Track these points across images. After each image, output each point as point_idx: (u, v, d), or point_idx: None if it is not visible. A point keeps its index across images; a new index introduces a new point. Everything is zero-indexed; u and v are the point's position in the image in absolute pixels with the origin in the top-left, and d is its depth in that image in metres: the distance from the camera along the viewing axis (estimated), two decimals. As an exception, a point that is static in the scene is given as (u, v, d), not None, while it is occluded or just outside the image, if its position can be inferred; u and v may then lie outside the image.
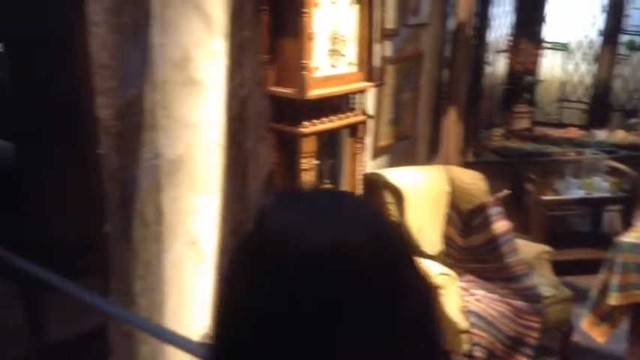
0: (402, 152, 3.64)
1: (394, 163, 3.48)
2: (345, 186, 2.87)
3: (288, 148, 2.55)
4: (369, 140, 3.10)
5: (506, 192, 2.94)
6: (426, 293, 0.60)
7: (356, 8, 2.50)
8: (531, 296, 2.78)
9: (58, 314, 2.41)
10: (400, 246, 0.60)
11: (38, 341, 2.15)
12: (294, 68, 2.33)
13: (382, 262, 0.55)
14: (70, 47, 3.16)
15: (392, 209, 2.84)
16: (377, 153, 3.35)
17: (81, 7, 2.02)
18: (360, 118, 2.67)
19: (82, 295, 2.02)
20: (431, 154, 3.96)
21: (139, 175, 2.20)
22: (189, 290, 2.49)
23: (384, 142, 3.38)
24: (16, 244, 2.58)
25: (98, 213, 2.41)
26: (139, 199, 2.24)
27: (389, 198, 2.86)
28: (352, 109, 2.67)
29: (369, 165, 3.21)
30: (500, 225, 2.76)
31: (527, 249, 2.98)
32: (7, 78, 3.28)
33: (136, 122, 2.10)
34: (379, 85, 2.82)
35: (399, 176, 2.92)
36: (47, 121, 3.26)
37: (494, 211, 2.79)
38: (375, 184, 2.92)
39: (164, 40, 2.05)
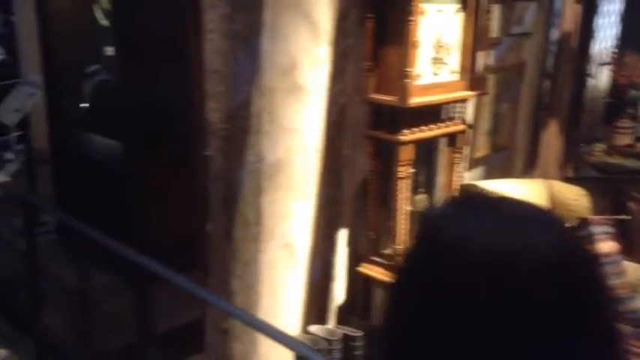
0: (498, 164, 3.55)
1: (490, 175, 3.40)
2: (440, 196, 2.84)
3: (385, 156, 2.54)
4: (465, 150, 3.04)
5: (625, 217, 2.82)
6: (609, 302, 0.58)
7: (461, 16, 2.47)
8: (635, 320, 2.64)
9: (158, 307, 2.52)
10: (585, 252, 0.58)
11: (144, 331, 2.26)
12: (396, 76, 2.33)
13: (571, 268, 0.54)
14: (181, 52, 3.32)
15: (489, 222, 2.78)
16: (472, 164, 3.29)
17: (197, 14, 2.11)
18: (460, 127, 2.63)
19: (192, 289, 2.10)
20: (528, 168, 3.84)
21: (242, 177, 2.27)
22: (282, 291, 2.54)
23: (480, 153, 3.31)
24: (122, 239, 2.72)
25: (201, 211, 2.51)
26: (241, 200, 2.31)
27: (486, 210, 2.80)
28: (451, 118, 2.63)
29: (464, 176, 3.15)
30: (606, 245, 2.63)
31: (632, 271, 2.83)
32: (119, 80, 3.48)
33: (242, 126, 2.17)
34: (482, 95, 2.77)
35: (498, 188, 2.84)
36: (155, 123, 3.43)
37: (599, 229, 2.67)
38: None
39: (273, 48, 2.11)
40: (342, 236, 2.72)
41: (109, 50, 4.02)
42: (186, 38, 3.37)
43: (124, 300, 2.55)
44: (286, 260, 2.50)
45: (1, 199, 4.50)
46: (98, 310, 2.63)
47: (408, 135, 2.42)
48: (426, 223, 0.61)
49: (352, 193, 2.68)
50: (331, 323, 2.80)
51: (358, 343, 2.44)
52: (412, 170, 2.52)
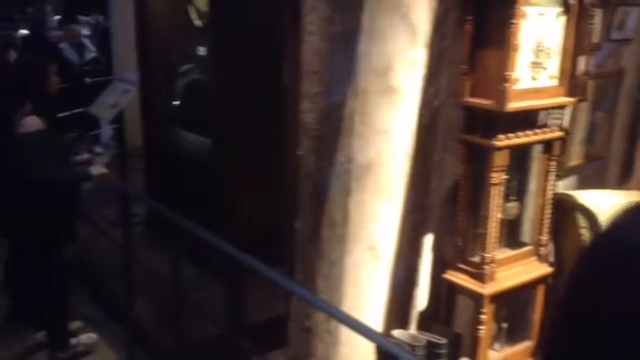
0: (591, 174, 3.39)
1: (582, 184, 3.26)
2: (532, 205, 2.75)
3: (478, 161, 2.49)
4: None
5: None
6: None
7: (562, 20, 2.38)
8: None
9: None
10: None
11: (234, 323, 2.31)
12: (494, 79, 2.27)
13: None
14: (273, 53, 3.38)
15: (584, 234, 2.66)
16: (565, 173, 3.16)
17: (296, 16, 2.15)
18: (558, 134, 2.53)
19: (285, 283, 2.14)
20: (623, 179, 3.65)
21: (331, 177, 2.28)
22: (366, 293, 2.54)
23: (573, 161, 3.18)
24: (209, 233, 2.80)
25: (289, 209, 2.54)
26: (329, 200, 2.33)
27: (581, 222, 2.68)
28: (546, 125, 2.54)
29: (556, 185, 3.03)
30: None
31: None
32: (212, 79, 3.58)
33: (335, 127, 2.18)
34: (581, 101, 2.66)
35: (594, 199, 2.72)
36: (244, 121, 3.52)
37: None
38: (565, 206, 2.76)
39: (369, 49, 2.11)
40: (428, 241, 2.69)
41: (202, 50, 4.16)
42: (280, 39, 3.45)
43: (212, 291, 2.63)
44: (371, 262, 2.49)
45: (93, 191, 4.75)
46: (187, 301, 2.71)
47: (504, 140, 2.36)
48: (607, 233, 0.58)
49: (440, 198, 2.64)
50: (412, 329, 2.77)
51: (442, 351, 2.40)
52: (505, 177, 2.45)
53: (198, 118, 4.08)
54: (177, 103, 4.17)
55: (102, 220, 4.62)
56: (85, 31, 8.95)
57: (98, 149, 7.69)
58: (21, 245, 3.08)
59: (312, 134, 2.22)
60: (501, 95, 2.23)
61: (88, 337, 3.38)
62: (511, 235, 2.76)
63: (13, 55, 3.24)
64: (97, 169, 3.17)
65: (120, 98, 4.65)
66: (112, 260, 4.05)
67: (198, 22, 4.12)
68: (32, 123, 2.88)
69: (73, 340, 3.28)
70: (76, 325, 3.41)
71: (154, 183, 4.31)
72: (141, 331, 3.12)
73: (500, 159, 2.38)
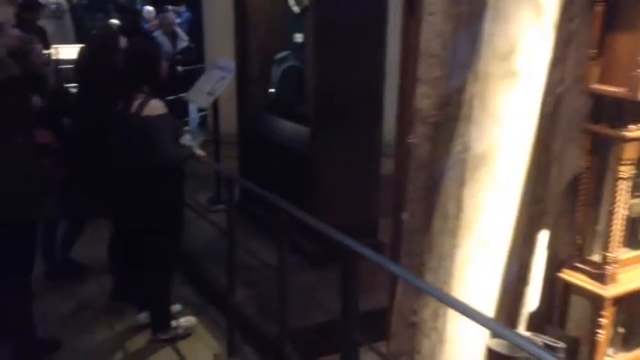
0: None
1: None
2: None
3: (603, 153, 2.30)
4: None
5: None
6: None
7: None
8: None
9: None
10: None
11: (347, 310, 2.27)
12: (625, 65, 2.09)
13: None
14: (376, 37, 3.30)
15: None
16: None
17: (413, -3, 2.05)
18: (696, 126, 2.30)
19: (402, 274, 2.08)
20: None
21: (446, 166, 2.18)
22: (475, 290, 2.41)
23: None
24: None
25: (397, 201, 2.46)
26: (442, 192, 2.22)
27: None
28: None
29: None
30: None
31: None
32: (311, 66, 3.53)
33: (453, 113, 2.07)
34: None
35: None
36: (342, 108, 3.46)
37: None
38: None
39: (493, 30, 1.98)
40: (543, 238, 2.53)
41: (299, 37, 4.12)
42: (381, 22, 3.35)
43: (309, 277, 2.58)
44: (482, 258, 2.36)
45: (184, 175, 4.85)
46: (285, 287, 2.69)
47: (635, 131, 2.17)
48: None
49: (559, 191, 2.47)
50: (521, 329, 2.63)
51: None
52: (634, 171, 2.26)
53: (295, 105, 4.06)
54: (273, 90, 4.15)
55: (196, 205, 4.70)
56: (178, 20, 9.19)
57: (187, 136, 7.89)
58: (129, 227, 3.16)
59: (428, 121, 2.11)
60: (634, 82, 2.04)
61: (187, 320, 3.44)
62: (633, 234, 2.56)
63: (123, 41, 3.29)
64: (198, 151, 3.23)
65: (216, 86, 4.72)
66: (208, 244, 4.12)
67: (296, 9, 4.08)
68: (156, 107, 2.94)
69: (174, 323, 3.34)
70: (175, 307, 3.48)
71: (246, 170, 4.33)
72: (240, 316, 3.14)
73: (631, 151, 2.19)
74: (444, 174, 2.17)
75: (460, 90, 2.03)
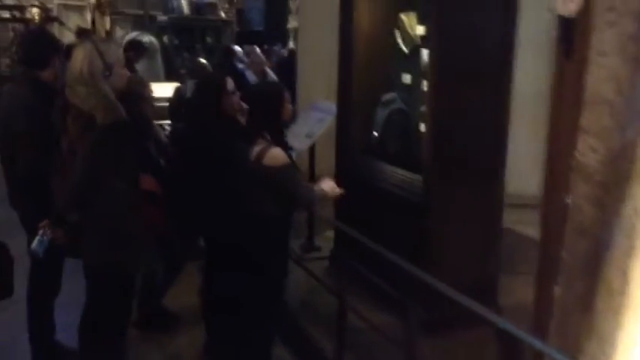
0: None
1: None
2: None
3: None
4: None
5: None
6: None
7: None
8: None
9: None
10: None
11: None
12: None
13: None
14: (505, 80, 3.00)
15: None
16: None
17: (579, 35, 1.75)
18: None
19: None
20: None
21: (613, 233, 1.82)
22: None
23: None
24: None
25: (543, 268, 2.12)
26: (608, 263, 1.86)
27: None
28: None
29: None
30: None
31: None
32: (430, 108, 3.26)
33: (625, 170, 1.73)
34: None
35: None
36: (462, 154, 3.16)
37: None
38: None
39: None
40: None
41: (406, 78, 3.88)
42: (507, 62, 3.05)
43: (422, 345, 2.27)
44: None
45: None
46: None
47: None
48: None
49: None
50: None
51: None
52: None
53: (402, 150, 3.80)
54: (376, 133, 3.92)
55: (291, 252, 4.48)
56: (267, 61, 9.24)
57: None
58: (228, 276, 2.96)
59: (593, 179, 1.78)
60: None
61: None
62: None
63: (230, 83, 3.13)
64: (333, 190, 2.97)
65: (314, 128, 4.54)
66: (304, 296, 3.87)
67: (404, 48, 3.86)
68: (280, 156, 2.72)
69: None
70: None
71: (343, 216, 4.07)
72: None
73: None
74: (610, 242, 1.82)
75: (636, 143, 1.69)
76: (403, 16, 3.80)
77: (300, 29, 5.44)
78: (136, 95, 3.14)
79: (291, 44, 14.71)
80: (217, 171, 2.89)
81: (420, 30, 3.70)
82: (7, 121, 3.04)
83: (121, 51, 2.71)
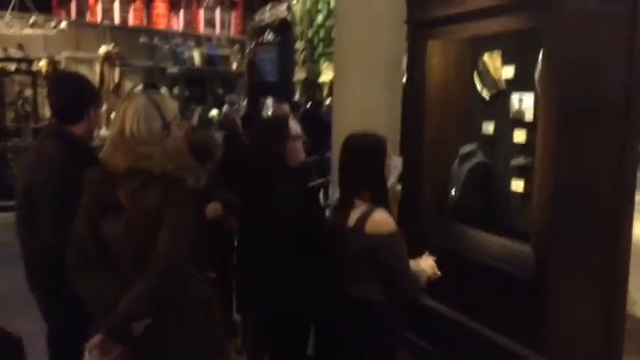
0: None
1: None
2: None
3: None
4: None
5: None
6: None
7: None
8: None
9: None
10: None
11: None
12: None
13: None
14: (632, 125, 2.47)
15: None
16: None
17: None
18: None
19: None
20: None
21: None
22: None
23: None
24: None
25: None
26: None
27: None
28: None
29: None
30: None
31: None
32: (539, 160, 2.71)
33: None
34: None
35: None
36: (582, 221, 2.60)
37: None
38: None
39: None
40: None
41: (488, 128, 3.36)
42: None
43: None
44: None
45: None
46: None
47: None
48: None
49: None
50: None
51: None
52: None
53: (490, 211, 3.24)
54: (455, 192, 3.36)
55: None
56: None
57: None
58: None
59: None
60: None
61: None
62: None
63: (295, 127, 2.63)
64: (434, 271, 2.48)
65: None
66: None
67: (485, 94, 3.35)
68: (386, 221, 2.25)
69: None
70: None
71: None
72: None
73: None
74: None
75: None
76: (486, 57, 3.30)
77: (336, 80, 4.95)
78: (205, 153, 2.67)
79: (297, 97, 14.46)
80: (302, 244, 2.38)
81: (508, 72, 3.21)
82: (30, 179, 2.49)
83: (176, 106, 2.17)
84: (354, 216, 2.30)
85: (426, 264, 2.45)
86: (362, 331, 2.37)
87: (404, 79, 3.97)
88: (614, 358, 2.79)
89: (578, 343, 2.68)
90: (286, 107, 8.04)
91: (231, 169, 3.24)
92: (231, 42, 14.40)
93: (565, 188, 2.54)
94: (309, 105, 9.15)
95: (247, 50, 13.73)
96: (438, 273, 2.48)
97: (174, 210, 1.92)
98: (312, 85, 15.87)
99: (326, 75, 15.80)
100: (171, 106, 2.10)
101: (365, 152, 2.33)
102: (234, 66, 13.33)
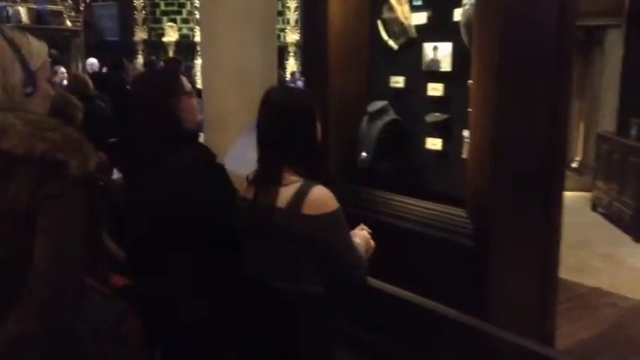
0: None
1: None
2: None
3: None
4: None
5: None
6: None
7: None
8: None
9: None
10: None
11: None
12: None
13: None
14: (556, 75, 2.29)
15: None
16: None
17: None
18: None
19: None
20: None
21: None
22: None
23: None
24: None
25: None
26: None
27: None
28: None
29: None
30: None
31: None
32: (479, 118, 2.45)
33: None
34: None
35: None
36: (520, 184, 2.40)
37: None
38: None
39: None
40: None
41: (398, 81, 3.06)
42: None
43: None
44: None
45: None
46: None
47: None
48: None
49: None
50: None
51: None
52: None
53: (406, 173, 2.96)
54: (365, 154, 3.03)
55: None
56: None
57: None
58: None
59: None
60: None
61: None
62: None
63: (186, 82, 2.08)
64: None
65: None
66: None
67: (392, 43, 3.03)
68: (326, 198, 1.79)
69: None
70: None
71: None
72: None
73: None
74: None
75: None
76: (392, 1, 2.96)
77: (203, 36, 4.37)
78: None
79: (139, 57, 13.44)
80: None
81: (420, 18, 2.90)
82: None
83: (46, 49, 1.54)
84: (285, 195, 1.83)
85: (360, 237, 2.08)
86: (297, 331, 1.96)
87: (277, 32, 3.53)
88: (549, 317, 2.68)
89: (518, 306, 2.52)
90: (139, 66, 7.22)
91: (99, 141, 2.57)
92: (64, -5, 12.79)
93: (504, 148, 2.30)
94: (164, 63, 8.31)
95: (82, 5, 12.28)
96: (373, 245, 2.12)
97: (55, 210, 1.33)
98: (155, 45, 14.89)
99: (170, 35, 14.88)
100: (38, 49, 1.48)
101: (296, 111, 1.86)
102: (68, 23, 11.83)
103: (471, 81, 2.61)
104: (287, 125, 1.84)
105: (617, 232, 5.65)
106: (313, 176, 1.86)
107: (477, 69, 2.32)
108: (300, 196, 1.78)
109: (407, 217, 2.70)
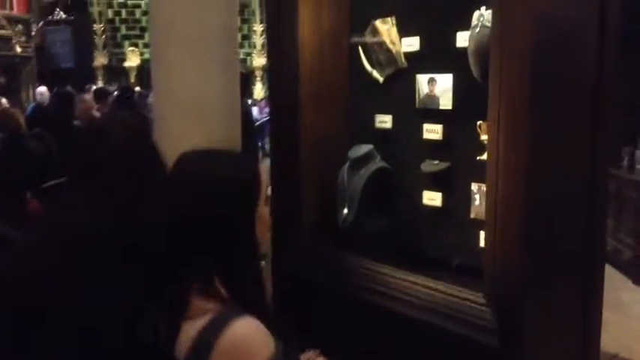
0: None
1: None
2: None
3: None
4: None
5: None
6: None
7: None
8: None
9: None
10: None
11: None
12: None
13: None
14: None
15: None
16: None
17: None
18: None
19: None
20: None
21: None
22: None
23: None
24: None
25: None
26: None
27: None
28: None
29: None
30: None
31: None
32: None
33: None
34: None
35: None
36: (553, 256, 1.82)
37: None
38: None
39: None
40: None
41: (385, 121, 2.49)
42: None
43: None
44: None
45: None
46: None
47: None
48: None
49: None
50: None
51: None
52: None
53: (408, 238, 2.38)
54: (347, 211, 2.44)
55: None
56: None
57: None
58: None
59: None
60: None
61: None
62: None
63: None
64: None
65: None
66: None
67: (376, 74, 2.47)
68: (248, 343, 1.13)
69: None
70: None
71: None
72: None
73: None
74: None
75: None
76: (378, 24, 2.41)
77: (154, 64, 3.78)
78: None
79: (99, 84, 12.83)
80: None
81: (411, 44, 2.35)
82: None
83: None
84: (187, 334, 1.18)
85: None
86: None
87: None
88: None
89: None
90: (88, 97, 6.54)
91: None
92: (13, 21, 12.05)
93: (537, 211, 1.73)
94: (117, 92, 7.64)
95: (34, 31, 11.57)
96: None
97: None
98: (116, 70, 14.39)
99: (132, 60, 14.41)
100: None
101: (217, 188, 1.23)
102: (18, 49, 11.08)
103: (481, 122, 2.07)
104: (201, 209, 1.19)
105: (616, 274, 5.16)
106: (241, 298, 1.20)
107: (495, 107, 1.75)
108: (208, 337, 1.12)
109: (405, 299, 2.10)
